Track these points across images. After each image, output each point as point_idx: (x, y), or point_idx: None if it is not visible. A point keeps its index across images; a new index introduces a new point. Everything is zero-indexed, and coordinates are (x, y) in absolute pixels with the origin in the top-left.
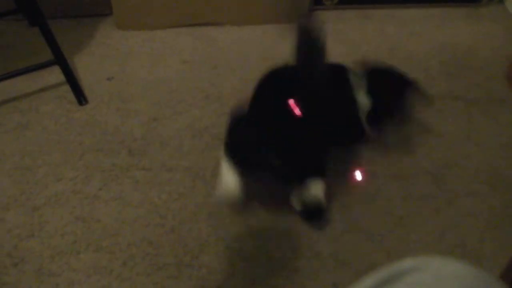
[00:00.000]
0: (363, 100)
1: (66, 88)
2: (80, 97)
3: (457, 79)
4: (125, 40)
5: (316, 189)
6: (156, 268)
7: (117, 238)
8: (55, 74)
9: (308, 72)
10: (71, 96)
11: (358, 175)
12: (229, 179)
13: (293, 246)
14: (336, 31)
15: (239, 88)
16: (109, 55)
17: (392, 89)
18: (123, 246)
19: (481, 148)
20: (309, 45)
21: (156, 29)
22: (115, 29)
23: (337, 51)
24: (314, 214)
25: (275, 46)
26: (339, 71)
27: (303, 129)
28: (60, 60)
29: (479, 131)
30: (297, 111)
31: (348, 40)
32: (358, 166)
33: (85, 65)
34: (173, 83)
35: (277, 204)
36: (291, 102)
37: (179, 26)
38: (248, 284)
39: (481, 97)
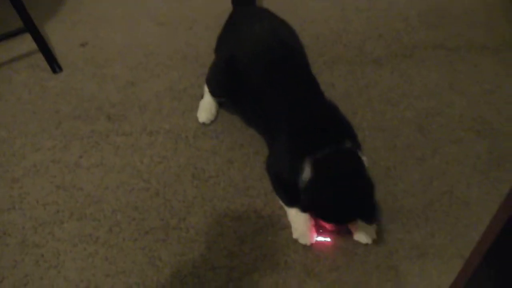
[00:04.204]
0: None
1: (39, 56)
2: (54, 65)
3: (437, 28)
4: (97, 5)
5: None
6: (143, 232)
7: (101, 205)
8: (26, 43)
9: None
10: (44, 64)
11: None
12: (207, 101)
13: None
14: None
15: None
16: (82, 20)
17: None
18: (108, 212)
19: (464, 96)
20: None
21: None
22: None
23: (319, 6)
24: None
25: None
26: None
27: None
28: (31, 28)
29: (462, 79)
30: None
31: None
32: None
33: (57, 32)
34: (149, 46)
35: (264, 162)
36: None
37: None
38: (237, 243)
39: (462, 45)
